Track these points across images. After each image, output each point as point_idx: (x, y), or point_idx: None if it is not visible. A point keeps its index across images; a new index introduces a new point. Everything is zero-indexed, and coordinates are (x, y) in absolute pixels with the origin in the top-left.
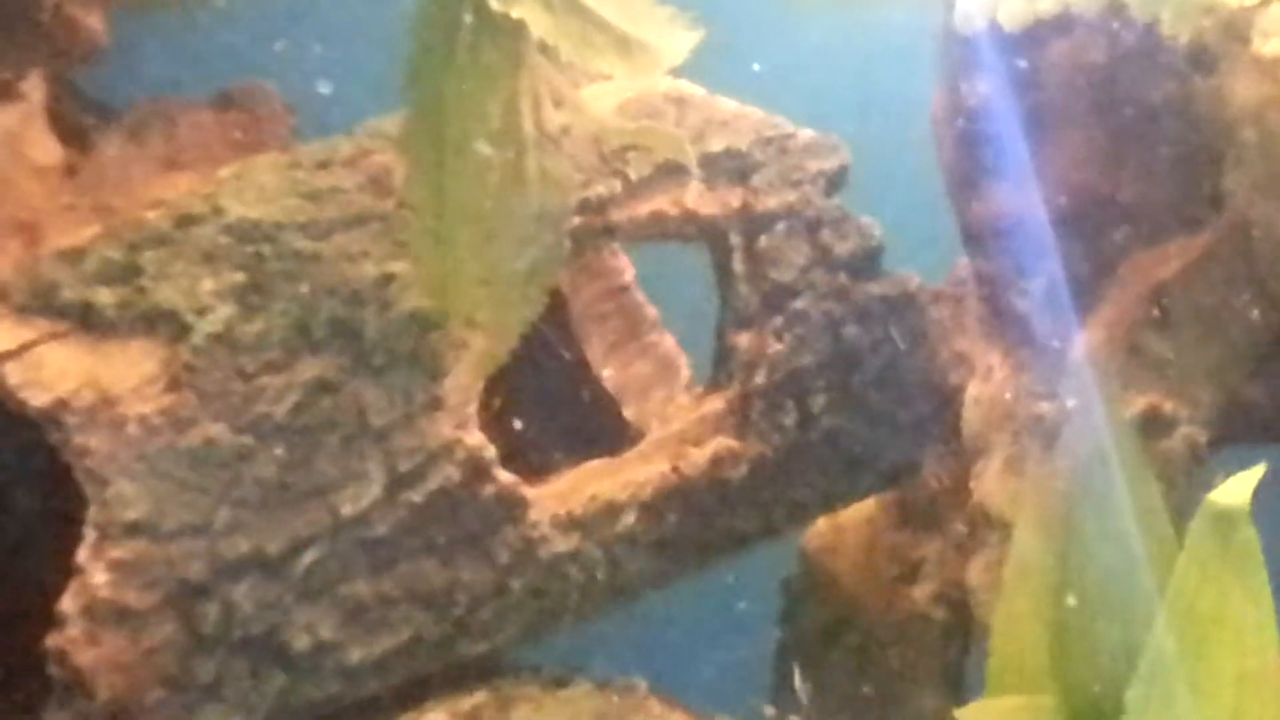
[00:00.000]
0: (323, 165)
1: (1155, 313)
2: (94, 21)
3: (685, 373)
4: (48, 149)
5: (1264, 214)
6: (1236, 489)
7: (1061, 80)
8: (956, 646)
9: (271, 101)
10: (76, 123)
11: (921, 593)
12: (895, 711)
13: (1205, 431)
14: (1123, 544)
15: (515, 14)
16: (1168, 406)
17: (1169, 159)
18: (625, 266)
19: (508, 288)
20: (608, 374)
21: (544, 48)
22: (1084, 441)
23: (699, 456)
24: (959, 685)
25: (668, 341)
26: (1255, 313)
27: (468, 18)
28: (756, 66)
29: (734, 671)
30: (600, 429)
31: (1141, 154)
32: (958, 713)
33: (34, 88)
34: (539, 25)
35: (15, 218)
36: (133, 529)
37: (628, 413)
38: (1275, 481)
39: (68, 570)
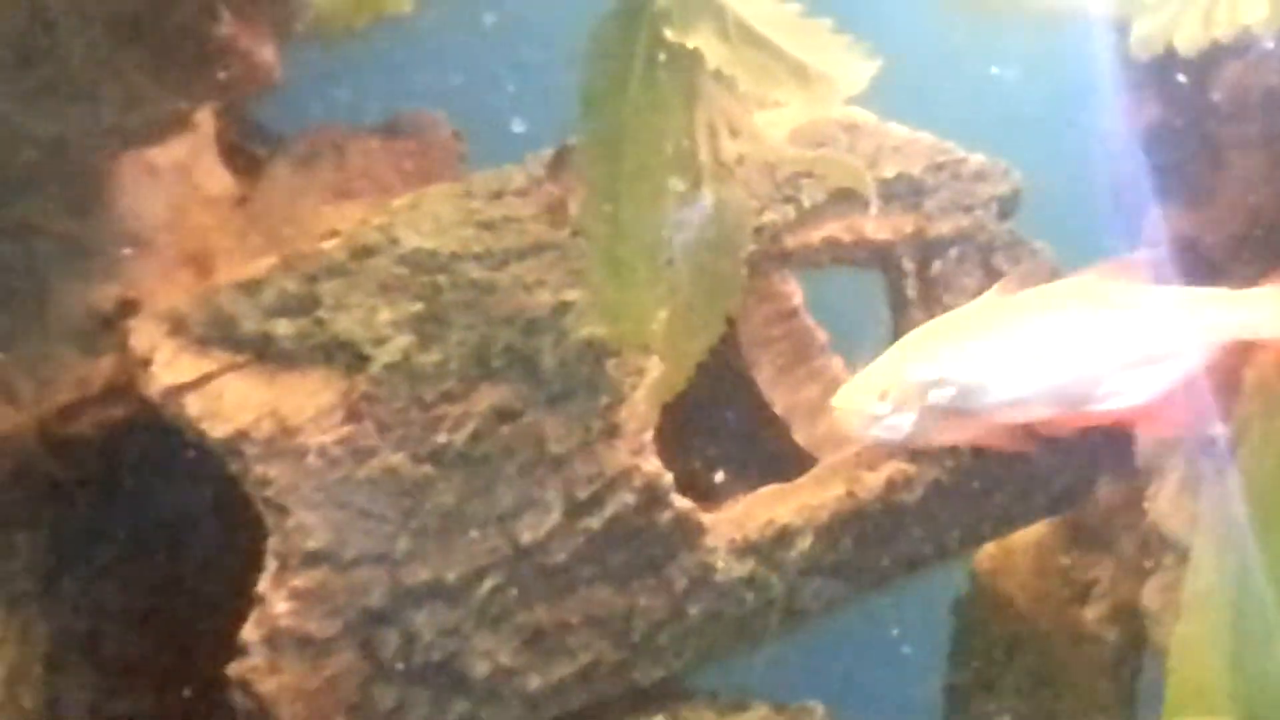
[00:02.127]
0: (497, 195)
1: None
2: (267, 54)
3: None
4: (219, 179)
5: None
6: None
7: (1235, 102)
8: (1130, 668)
9: (440, 129)
10: (246, 153)
11: (1093, 614)
12: None
13: None
14: None
15: (691, 44)
16: None
17: None
18: (794, 291)
19: (686, 316)
20: (777, 398)
21: (720, 77)
22: (1260, 463)
23: (873, 480)
24: (1133, 707)
25: (836, 365)
26: None
27: (642, 48)
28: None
29: (903, 693)
30: (771, 454)
31: None
32: None
33: (205, 118)
34: (715, 55)
35: (187, 249)
36: (314, 558)
37: (798, 437)
38: None
39: (248, 600)
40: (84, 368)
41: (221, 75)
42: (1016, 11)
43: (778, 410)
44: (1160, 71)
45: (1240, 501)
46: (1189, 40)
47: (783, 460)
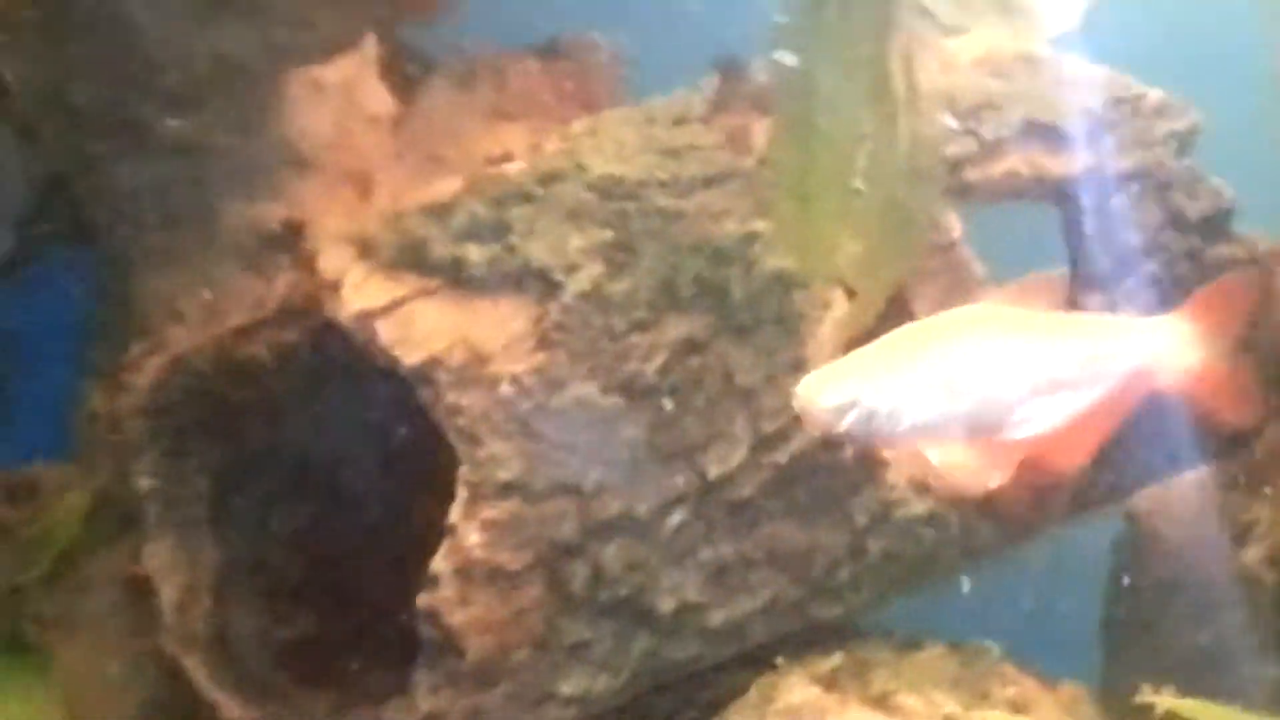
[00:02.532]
0: (679, 122)
1: None
2: None
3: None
4: (380, 99)
5: None
6: None
7: None
8: None
9: (599, 53)
10: (403, 73)
11: (1252, 555)
12: (1230, 676)
13: None
14: None
15: None
16: None
17: None
18: (953, 223)
19: (878, 249)
20: None
21: (917, 7)
22: None
23: None
24: None
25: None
26: None
27: None
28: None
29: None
30: None
31: None
32: None
33: (368, 40)
34: None
35: (349, 167)
36: (506, 489)
37: None
38: None
39: (419, 527)
40: (256, 289)
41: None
42: None
43: None
44: None
45: None
46: None
47: None
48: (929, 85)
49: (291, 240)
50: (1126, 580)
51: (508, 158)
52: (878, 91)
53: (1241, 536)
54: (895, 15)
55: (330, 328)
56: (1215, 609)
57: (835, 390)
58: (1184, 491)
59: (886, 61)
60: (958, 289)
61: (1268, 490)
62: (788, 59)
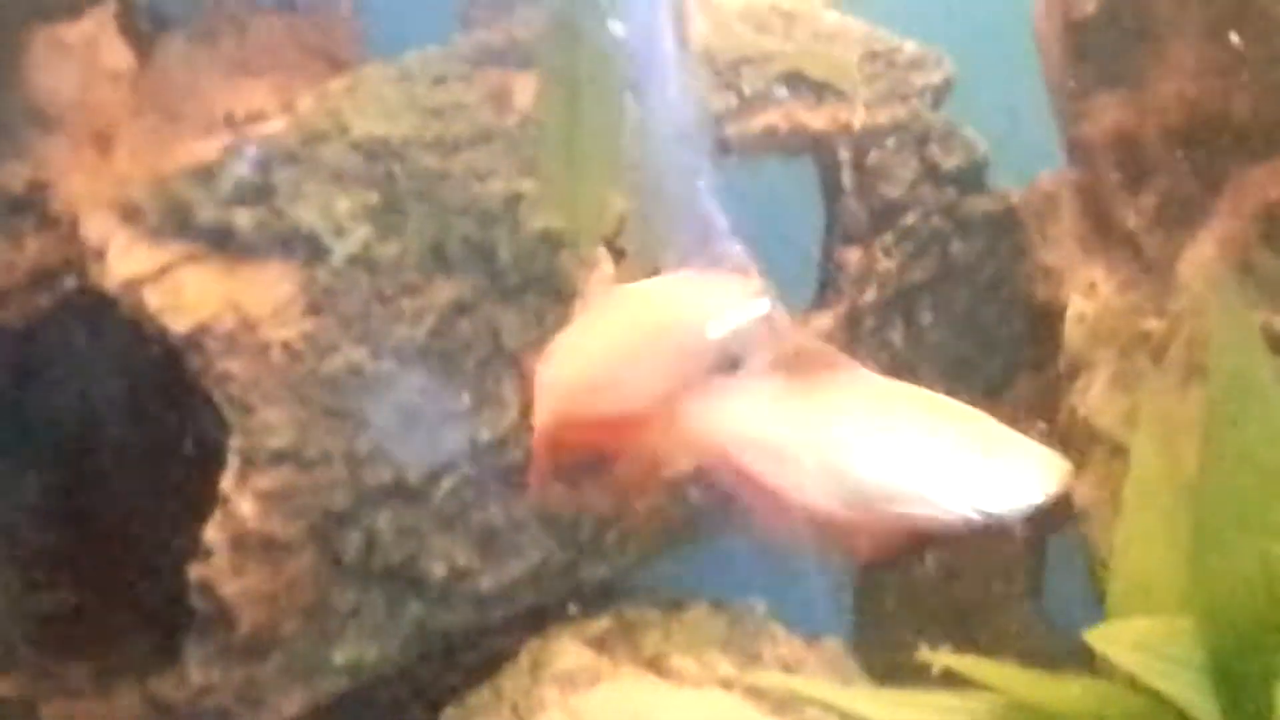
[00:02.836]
0: (439, 80)
1: (1267, 230)
2: None
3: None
4: (120, 54)
5: None
6: None
7: None
8: (1036, 563)
9: (341, 6)
10: (138, 28)
11: None
12: (981, 628)
13: None
14: (1262, 463)
15: None
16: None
17: None
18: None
19: (648, 207)
20: None
21: None
22: (1222, 357)
23: None
24: (1039, 600)
25: (738, 251)
26: None
27: None
28: None
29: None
30: None
31: (1257, 69)
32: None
33: None
34: None
35: (92, 126)
36: (278, 457)
37: None
38: None
39: (175, 494)
40: (6, 254)
41: None
42: None
43: None
44: None
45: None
46: None
47: None
48: (698, 42)
49: (37, 202)
50: None
51: (259, 115)
52: (647, 48)
53: None
54: None
55: (88, 293)
56: (966, 562)
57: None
58: None
59: (657, 21)
60: (700, 241)
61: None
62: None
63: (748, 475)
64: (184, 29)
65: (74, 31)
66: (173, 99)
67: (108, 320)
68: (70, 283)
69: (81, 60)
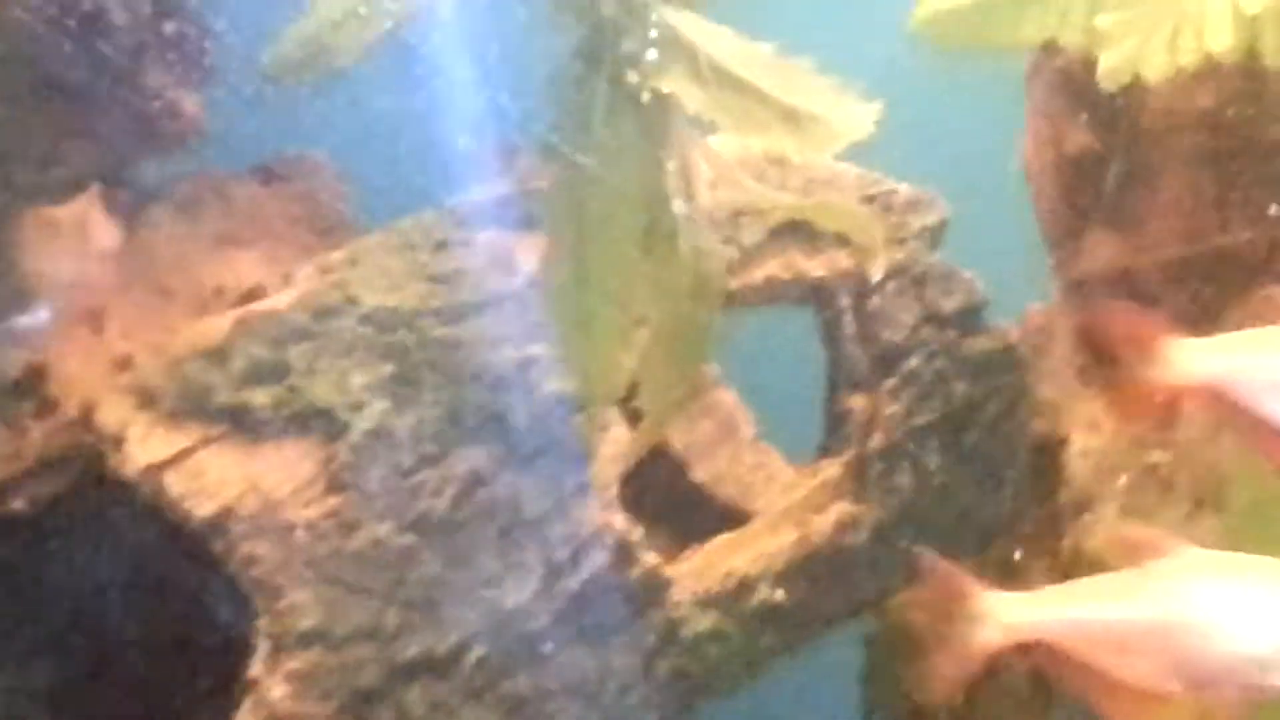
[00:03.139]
0: (441, 246)
1: None
2: (191, 105)
3: (748, 430)
4: (109, 232)
5: None
6: None
7: (1165, 126)
8: (1043, 700)
9: (325, 173)
10: (119, 201)
11: None
12: None
13: None
14: None
15: (666, 88)
16: None
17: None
18: None
19: (663, 366)
20: (674, 437)
21: (697, 122)
22: (1240, 489)
23: (823, 524)
24: None
25: (729, 399)
26: None
27: (604, 92)
28: None
29: None
30: (669, 492)
31: (1251, 197)
32: None
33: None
34: (692, 99)
35: (84, 304)
36: (307, 638)
37: (696, 474)
38: None
39: (196, 679)
40: (10, 442)
41: (150, 129)
42: (977, 45)
43: (676, 448)
44: (1084, 99)
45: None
46: (1156, 69)
47: (681, 499)
48: (705, 199)
49: (35, 386)
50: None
51: (258, 290)
52: (656, 209)
53: None
54: (670, 128)
55: (104, 480)
56: (974, 699)
57: None
58: None
59: (663, 177)
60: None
61: None
62: (557, 177)
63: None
64: (167, 201)
65: (64, 211)
66: (160, 273)
67: (123, 506)
68: (80, 469)
69: (71, 240)
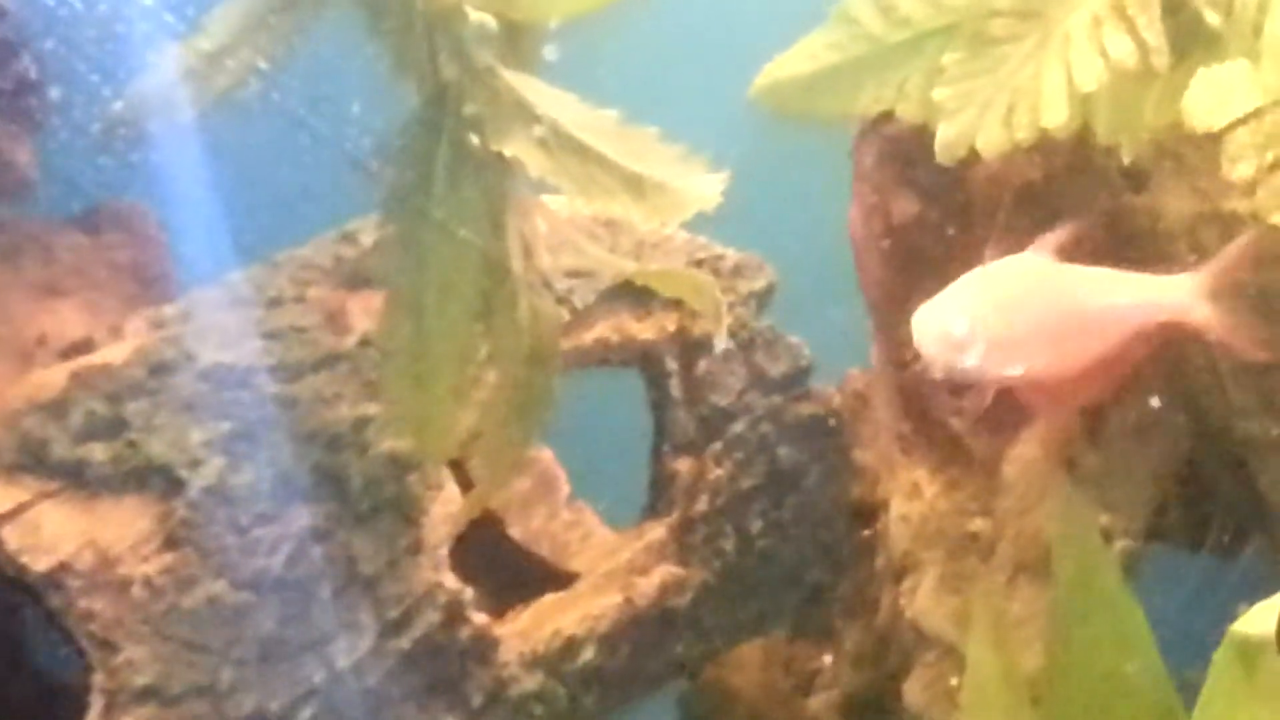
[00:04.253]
0: (275, 303)
1: (1090, 426)
2: (23, 155)
3: (565, 488)
4: None
5: None
6: (1261, 618)
7: (993, 197)
8: None
9: (147, 224)
10: None
11: (818, 703)
12: None
13: (1138, 542)
14: (1111, 660)
15: (508, 152)
16: (1104, 520)
17: None
18: None
19: (500, 427)
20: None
21: (540, 187)
22: (1065, 559)
23: (648, 586)
24: None
25: (546, 456)
26: (1182, 424)
27: (445, 153)
28: None
29: None
30: (485, 548)
31: None
32: None
33: None
34: (536, 164)
35: None
36: (143, 695)
37: (513, 532)
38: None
39: None
40: None
41: None
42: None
43: (493, 504)
44: (912, 167)
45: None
46: (991, 143)
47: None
48: (544, 262)
49: None
50: None
51: (87, 344)
52: (494, 272)
53: (806, 685)
54: (509, 190)
55: None
56: None
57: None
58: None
59: (503, 239)
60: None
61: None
62: (396, 237)
63: None
64: None
65: None
66: None
67: None
68: None
69: None
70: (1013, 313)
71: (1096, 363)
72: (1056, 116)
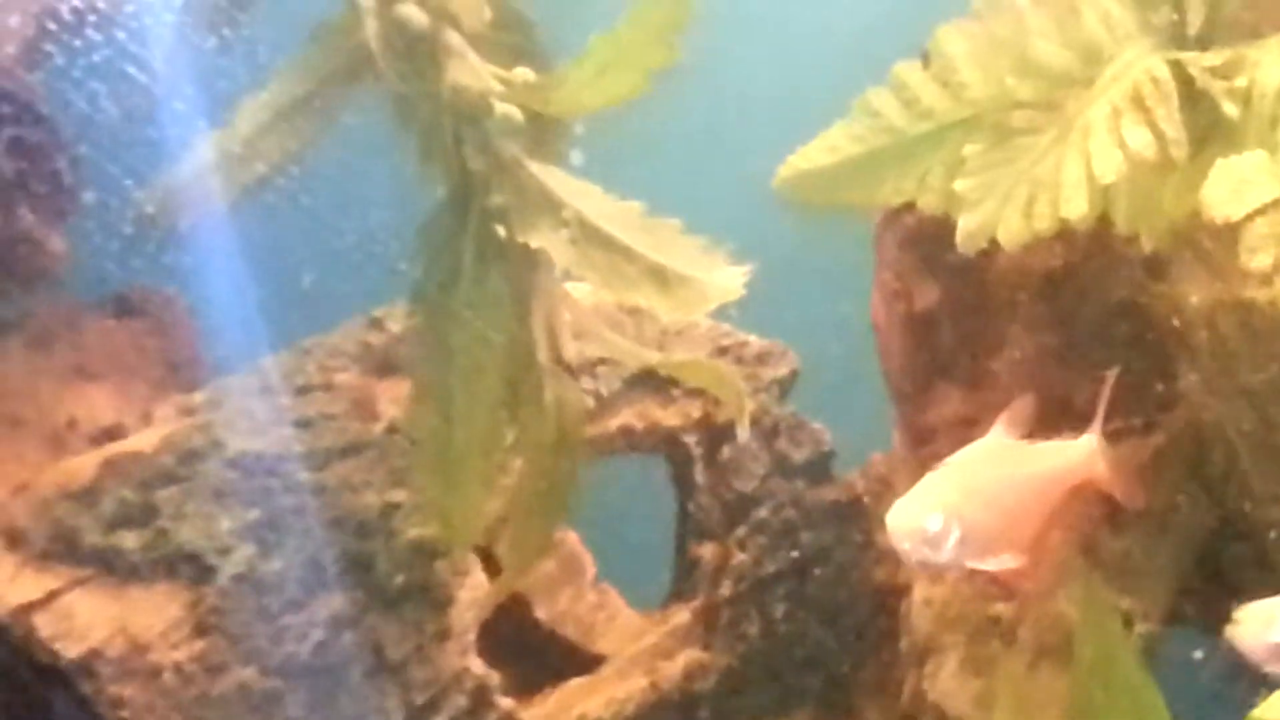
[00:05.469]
0: (303, 391)
1: (1109, 512)
2: (58, 243)
3: (591, 570)
4: None
5: (1217, 416)
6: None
7: (1014, 284)
8: None
9: (176, 308)
10: None
11: None
12: None
13: (1159, 627)
14: None
15: (534, 243)
16: (1125, 605)
17: (1123, 361)
18: None
19: (526, 514)
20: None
21: (565, 277)
22: (1086, 644)
23: (672, 670)
24: None
25: (571, 539)
26: (1202, 511)
27: (472, 243)
28: None
29: None
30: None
31: (1096, 355)
32: None
33: None
34: (561, 255)
35: None
36: None
37: (539, 612)
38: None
39: None
40: None
41: (13, 264)
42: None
43: (519, 587)
44: (934, 256)
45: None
46: (1012, 234)
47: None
48: (569, 350)
49: None
50: None
51: (118, 430)
52: (521, 361)
53: None
54: (534, 280)
55: None
56: None
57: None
58: None
59: (529, 328)
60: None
61: None
62: (424, 326)
63: None
64: (18, 333)
65: None
66: (11, 405)
67: None
68: None
69: None
70: (980, 503)
71: (1041, 524)
72: (1076, 207)
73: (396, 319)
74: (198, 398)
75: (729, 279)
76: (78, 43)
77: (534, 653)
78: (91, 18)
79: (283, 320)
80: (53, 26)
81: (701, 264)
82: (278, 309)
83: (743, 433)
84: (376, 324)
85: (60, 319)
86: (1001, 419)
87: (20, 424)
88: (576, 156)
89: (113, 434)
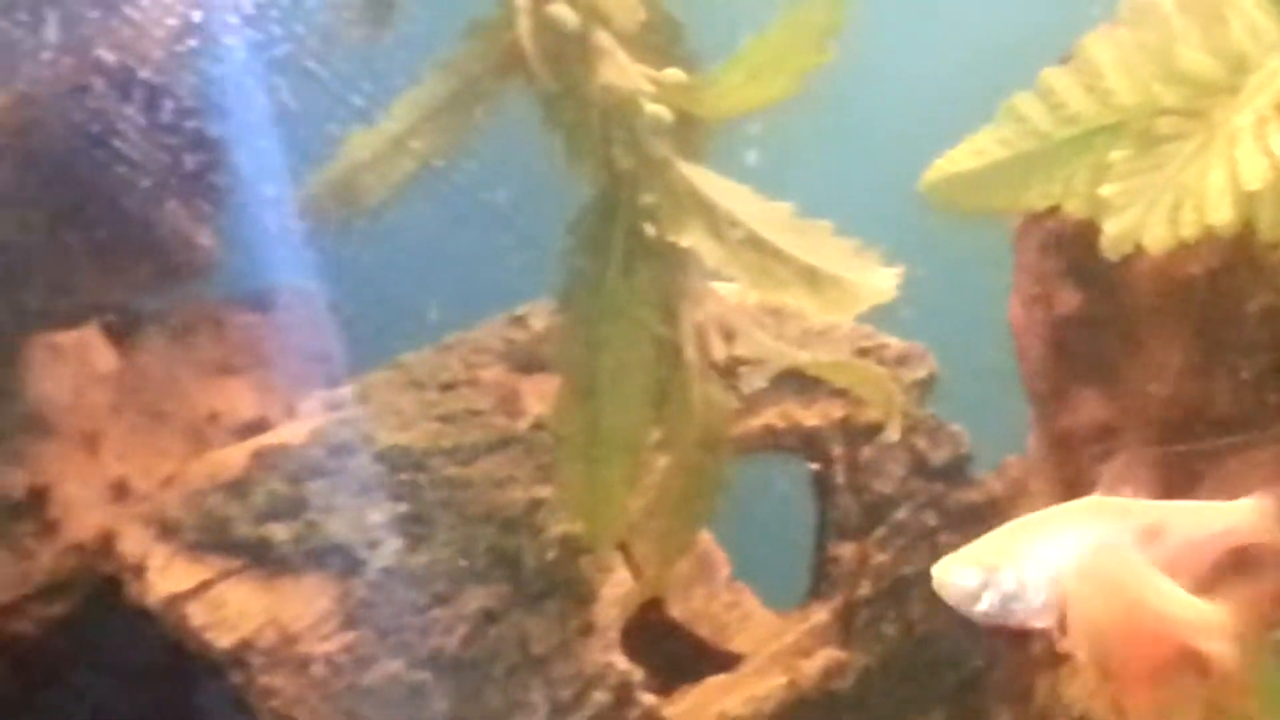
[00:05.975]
0: (448, 387)
1: None
2: (206, 238)
3: (725, 569)
4: (106, 357)
5: None
6: None
7: (1155, 290)
8: None
9: (314, 304)
10: (113, 327)
11: None
12: None
13: None
14: None
15: (684, 242)
16: None
17: (1264, 370)
18: None
19: (670, 513)
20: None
21: (715, 276)
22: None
23: (811, 668)
24: None
25: (705, 538)
26: None
27: (620, 243)
28: None
29: None
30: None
31: (1235, 364)
32: None
33: None
34: (711, 255)
35: (82, 427)
36: None
37: (674, 611)
38: None
39: None
40: (15, 564)
41: (164, 261)
42: (982, 208)
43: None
44: (1075, 261)
45: None
46: (1157, 240)
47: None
48: (717, 350)
49: (36, 507)
50: None
51: (262, 423)
52: (669, 360)
53: None
54: (683, 278)
55: (109, 604)
56: None
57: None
58: None
59: (677, 328)
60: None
61: None
62: (571, 324)
63: None
64: (163, 326)
65: (68, 336)
66: (154, 398)
67: (134, 632)
68: (89, 594)
69: (73, 364)
70: (1033, 564)
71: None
72: (1222, 214)
73: (539, 315)
74: (343, 392)
75: (881, 281)
76: (230, 38)
77: (668, 651)
78: (243, 13)
79: (421, 318)
80: (204, 21)
81: (853, 266)
82: (418, 306)
83: (893, 433)
84: (519, 321)
85: (203, 314)
86: (1104, 477)
87: (162, 417)
88: (751, 157)
89: (254, 428)
